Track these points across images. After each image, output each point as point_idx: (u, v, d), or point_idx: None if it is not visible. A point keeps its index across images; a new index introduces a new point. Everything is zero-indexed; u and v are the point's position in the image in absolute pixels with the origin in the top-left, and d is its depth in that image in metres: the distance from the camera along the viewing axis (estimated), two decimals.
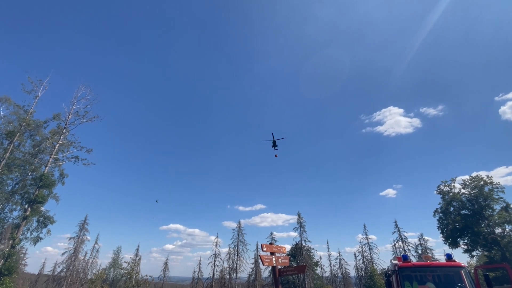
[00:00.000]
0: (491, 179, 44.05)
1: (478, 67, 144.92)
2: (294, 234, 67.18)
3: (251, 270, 68.10)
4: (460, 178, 48.07)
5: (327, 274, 72.50)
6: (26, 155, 33.34)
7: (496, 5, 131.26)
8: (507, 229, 41.07)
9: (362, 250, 68.30)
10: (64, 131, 34.85)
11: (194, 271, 71.92)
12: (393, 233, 64.38)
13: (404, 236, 63.12)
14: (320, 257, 73.82)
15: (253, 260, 69.15)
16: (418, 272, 10.92)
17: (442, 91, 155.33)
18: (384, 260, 66.27)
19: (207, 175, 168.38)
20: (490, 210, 42.50)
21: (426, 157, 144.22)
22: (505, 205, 41.95)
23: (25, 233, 31.47)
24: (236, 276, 65.89)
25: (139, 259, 75.12)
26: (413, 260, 12.25)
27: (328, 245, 74.26)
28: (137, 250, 77.71)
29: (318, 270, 67.58)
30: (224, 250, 72.40)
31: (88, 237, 69.76)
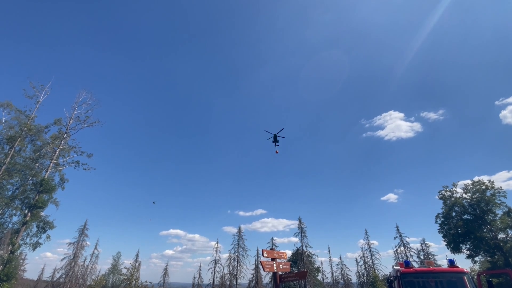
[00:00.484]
0: (493, 184, 43.81)
1: (477, 71, 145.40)
2: (295, 239, 67.00)
3: (252, 276, 67.58)
4: (461, 183, 47.87)
5: (329, 280, 71.85)
6: (26, 160, 33.36)
7: (495, 8, 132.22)
8: (509, 234, 40.71)
9: (363, 256, 67.82)
10: (65, 136, 34.96)
11: (194, 277, 71.38)
12: (394, 238, 64.01)
13: (406, 241, 62.70)
14: (321, 263, 73.27)
15: (253, 266, 68.70)
16: (420, 278, 10.81)
17: (442, 95, 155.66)
18: (386, 265, 65.64)
19: (208, 180, 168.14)
20: (492, 215, 42.18)
21: (427, 161, 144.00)
22: (507, 209, 41.64)
23: (25, 238, 31.33)
24: (236, 282, 65.34)
25: (139, 264, 74.60)
26: (416, 265, 12.14)
27: (329, 251, 73.79)
28: (137, 255, 77.24)
29: (319, 276, 66.98)
30: (225, 255, 71.91)
31: (88, 243, 69.40)
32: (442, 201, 47.89)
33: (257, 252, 69.78)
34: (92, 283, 35.48)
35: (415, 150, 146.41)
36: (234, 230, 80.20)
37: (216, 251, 69.83)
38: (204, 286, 69.12)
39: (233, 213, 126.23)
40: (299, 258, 60.65)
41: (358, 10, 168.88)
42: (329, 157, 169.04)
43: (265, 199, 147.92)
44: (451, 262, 11.05)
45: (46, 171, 32.37)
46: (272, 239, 69.27)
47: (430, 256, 60.04)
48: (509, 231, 40.72)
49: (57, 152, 33.62)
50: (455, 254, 43.78)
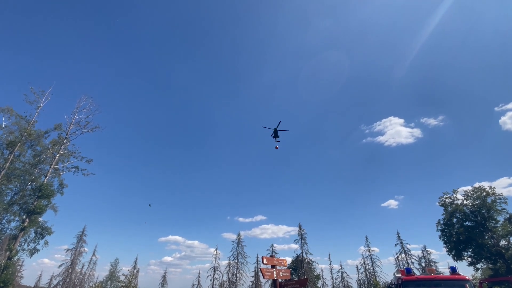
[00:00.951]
0: (494, 190, 43.65)
1: (477, 77, 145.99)
2: (295, 246, 66.44)
3: (251, 283, 66.81)
4: (462, 189, 47.73)
5: (329, 287, 71.00)
6: (26, 165, 33.30)
7: (495, 13, 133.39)
8: (511, 241, 40.40)
9: (364, 263, 67.08)
10: (65, 141, 34.95)
11: (193, 285, 70.39)
12: (395, 245, 63.41)
13: (407, 248, 62.13)
14: (322, 270, 72.39)
15: (253, 273, 67.95)
16: (422, 286, 10.66)
17: (442, 101, 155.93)
18: (387, 273, 64.91)
19: (207, 185, 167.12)
20: (494, 221, 41.90)
21: (427, 167, 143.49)
22: (508, 216, 41.41)
23: (22, 244, 31.09)
24: None
25: (137, 271, 73.97)
26: (417, 273, 12.00)
27: (329, 258, 72.99)
28: (135, 262, 76.49)
29: (319, 284, 66.24)
30: (224, 262, 70.99)
31: (86, 249, 68.68)
32: (443, 208, 47.67)
33: (257, 259, 69.11)
34: None
35: (415, 156, 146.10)
36: (234, 236, 79.50)
37: (215, 258, 69.18)
38: None
39: (232, 219, 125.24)
40: (299, 265, 60.06)
41: (357, 15, 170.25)
42: (329, 163, 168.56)
43: (265, 205, 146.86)
44: (453, 270, 10.92)
45: (45, 177, 32.28)
46: (272, 245, 68.70)
47: (431, 264, 59.45)
48: (511, 238, 40.40)
49: (57, 157, 33.58)
50: (457, 261, 43.39)
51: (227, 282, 65.46)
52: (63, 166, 35.19)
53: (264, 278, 11.17)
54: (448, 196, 48.07)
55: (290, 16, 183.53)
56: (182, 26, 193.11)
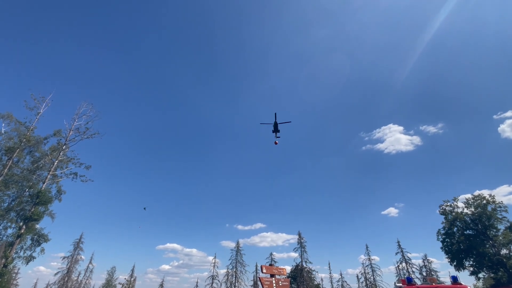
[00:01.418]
0: (494, 198, 43.56)
1: (475, 85, 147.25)
2: (295, 255, 65.49)
3: None
4: (463, 197, 47.62)
5: None
6: (24, 171, 33.15)
7: (494, 22, 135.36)
8: None
9: (364, 272, 66.21)
10: (64, 147, 34.90)
11: None
12: (396, 253, 62.83)
13: (408, 257, 61.52)
14: (322, 279, 71.33)
15: (252, 282, 67.05)
16: None
17: (441, 109, 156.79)
18: (388, 282, 64.18)
19: (206, 192, 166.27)
20: (494, 230, 41.68)
21: (427, 175, 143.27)
22: (509, 224, 41.19)
23: (19, 251, 30.69)
24: None
25: (134, 280, 72.77)
26: (418, 282, 11.86)
27: (329, 267, 72.06)
28: (132, 270, 75.25)
29: None
30: (222, 271, 70.30)
31: (83, 257, 67.75)
32: (443, 216, 47.45)
33: (256, 268, 68.32)
34: None
35: (415, 164, 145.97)
36: (232, 244, 78.68)
37: (214, 266, 68.28)
38: None
39: (231, 227, 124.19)
40: (299, 274, 59.30)
41: (357, 23, 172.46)
42: (328, 170, 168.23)
43: (264, 212, 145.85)
44: (454, 279, 10.79)
45: (43, 183, 32.11)
46: (271, 254, 67.88)
47: (432, 273, 58.82)
48: None
49: (55, 163, 33.47)
50: (459, 270, 42.98)
51: None
52: (61, 172, 35.05)
53: (263, 287, 11.00)
54: (448, 204, 47.92)
55: (290, 23, 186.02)
56: (184, 32, 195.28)
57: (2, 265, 27.11)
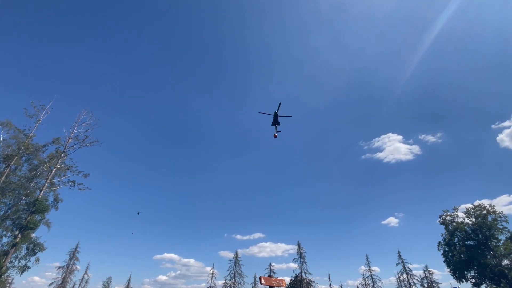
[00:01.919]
0: (494, 208, 43.46)
1: (473, 94, 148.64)
2: (294, 265, 64.59)
3: None
4: (463, 207, 47.47)
5: None
6: (21, 179, 32.90)
7: (492, 31, 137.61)
8: None
9: (365, 283, 65.16)
10: (62, 155, 34.76)
11: None
12: (396, 264, 62.10)
13: (409, 268, 60.79)
14: None
15: None
16: None
17: (439, 118, 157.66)
18: None
19: (204, 201, 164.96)
20: (495, 240, 41.40)
21: (427, 184, 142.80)
22: (510, 235, 40.96)
23: (13, 261, 30.22)
24: None
25: None
26: None
27: (329, 278, 70.74)
28: (129, 281, 74.08)
29: None
30: (220, 282, 68.90)
31: (78, 267, 66.55)
32: (444, 226, 47.18)
33: (255, 279, 67.23)
34: None
35: (414, 173, 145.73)
36: (231, 255, 77.65)
37: (212, 277, 67.23)
38: None
39: (230, 236, 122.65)
40: (298, 285, 58.36)
41: (355, 33, 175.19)
42: (328, 179, 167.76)
43: (263, 222, 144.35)
44: None
45: (41, 191, 31.84)
46: (270, 265, 66.96)
47: (434, 284, 57.99)
48: None
49: (53, 171, 33.26)
50: (461, 282, 42.45)
51: None
52: (59, 180, 34.80)
53: None
54: (448, 214, 47.72)
55: (291, 31, 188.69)
56: (185, 36, 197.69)
57: None
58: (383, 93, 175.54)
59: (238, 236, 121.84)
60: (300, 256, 62.72)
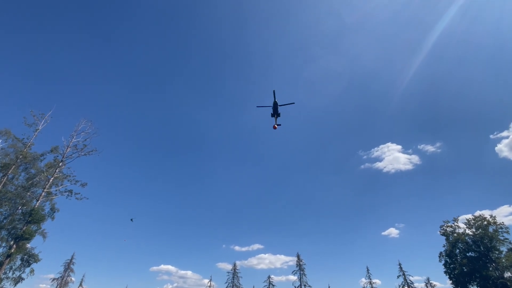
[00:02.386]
0: (495, 219, 43.28)
1: (471, 104, 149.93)
2: (294, 278, 63.44)
3: None
4: (463, 217, 47.25)
5: None
6: (18, 189, 32.65)
7: (490, 41, 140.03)
8: None
9: None
10: (60, 164, 34.59)
11: None
12: (398, 277, 60.93)
13: (410, 280, 59.63)
14: None
15: None
16: None
17: (438, 128, 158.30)
18: None
19: (202, 212, 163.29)
20: (497, 252, 41.02)
21: (428, 194, 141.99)
22: (511, 246, 40.61)
23: (7, 272, 29.69)
24: None
25: None
26: None
27: None
28: None
29: None
30: None
31: (73, 278, 65.13)
32: (445, 237, 46.80)
33: None
34: None
35: (414, 183, 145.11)
36: (229, 266, 76.25)
37: None
38: None
39: (228, 247, 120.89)
40: None
41: (353, 45, 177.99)
42: (327, 189, 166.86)
43: (262, 233, 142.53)
44: None
45: (37, 200, 31.51)
46: (269, 277, 65.82)
47: None
48: None
49: (51, 180, 32.99)
50: None
51: None
52: (56, 190, 34.47)
53: None
54: (449, 224, 47.42)
55: (290, 44, 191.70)
56: (182, 58, 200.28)
57: None
58: (382, 102, 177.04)
59: (237, 247, 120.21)
60: (300, 268, 61.74)
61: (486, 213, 45.24)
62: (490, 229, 42.61)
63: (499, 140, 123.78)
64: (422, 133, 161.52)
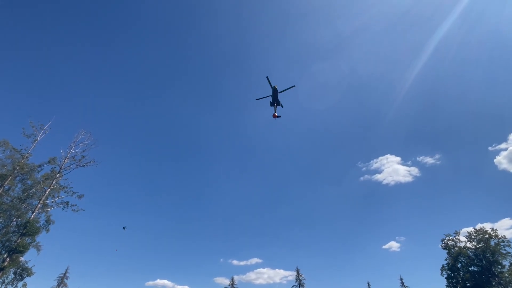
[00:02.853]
0: (496, 232, 42.80)
1: (469, 116, 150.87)
2: None
3: None
4: (464, 230, 46.75)
5: None
6: (14, 200, 32.24)
7: (487, 51, 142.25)
8: None
9: None
10: (57, 175, 34.30)
11: None
12: None
13: None
14: None
15: None
16: None
17: (437, 140, 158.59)
18: None
19: (199, 225, 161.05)
20: (500, 266, 40.37)
21: (428, 207, 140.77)
22: None
23: (0, 286, 28.91)
24: None
25: None
26: None
27: None
28: None
29: None
30: None
31: None
32: (446, 251, 46.15)
33: None
34: None
35: (414, 195, 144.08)
36: (227, 281, 74.45)
37: None
38: None
39: (226, 261, 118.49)
40: None
41: (352, 58, 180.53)
42: (326, 202, 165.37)
43: (260, 247, 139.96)
44: None
45: (33, 212, 31.06)
46: None
47: None
48: None
49: (47, 192, 32.62)
50: None
51: None
52: (52, 201, 34.04)
53: None
54: (450, 238, 46.86)
55: (289, 57, 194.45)
56: (182, 67, 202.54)
57: None
58: (380, 114, 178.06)
59: (235, 261, 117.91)
60: (299, 283, 60.45)
61: (488, 226, 44.83)
62: (492, 243, 42.06)
63: (497, 152, 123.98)
64: (421, 145, 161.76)
